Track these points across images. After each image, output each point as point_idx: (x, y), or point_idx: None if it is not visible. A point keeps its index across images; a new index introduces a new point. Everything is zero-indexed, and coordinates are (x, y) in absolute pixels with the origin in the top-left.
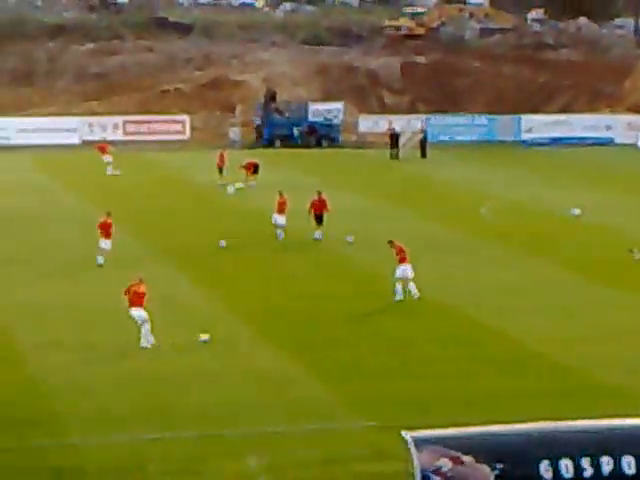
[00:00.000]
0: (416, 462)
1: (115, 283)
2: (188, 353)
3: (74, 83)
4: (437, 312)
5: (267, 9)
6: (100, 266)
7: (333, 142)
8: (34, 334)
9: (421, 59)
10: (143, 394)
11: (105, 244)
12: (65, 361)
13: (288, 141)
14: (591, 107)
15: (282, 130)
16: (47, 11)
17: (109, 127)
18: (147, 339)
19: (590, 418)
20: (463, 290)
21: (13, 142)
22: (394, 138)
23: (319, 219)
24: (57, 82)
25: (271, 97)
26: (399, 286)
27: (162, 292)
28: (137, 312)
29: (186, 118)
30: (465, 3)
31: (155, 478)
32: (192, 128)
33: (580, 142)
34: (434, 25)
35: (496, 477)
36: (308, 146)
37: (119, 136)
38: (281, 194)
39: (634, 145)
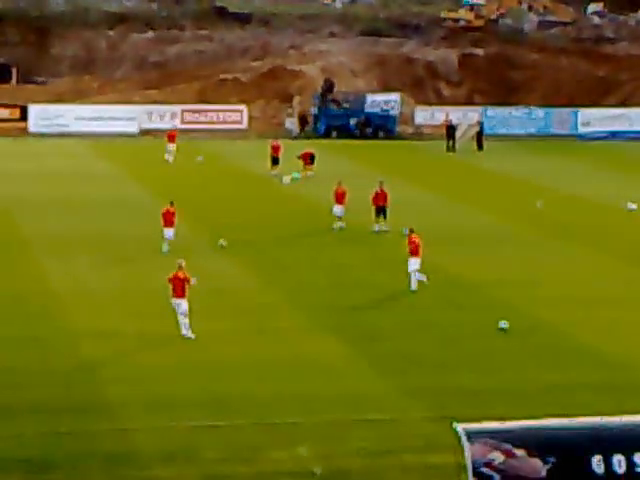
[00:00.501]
0: (468, 454)
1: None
2: (243, 342)
3: (133, 71)
4: (490, 304)
5: (326, 0)
6: (165, 254)
7: (389, 134)
8: (91, 320)
9: (479, 51)
10: (197, 382)
11: (168, 233)
12: (120, 348)
13: (344, 132)
14: None
15: (339, 121)
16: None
17: (167, 116)
18: (186, 328)
19: None
20: (517, 282)
21: (72, 130)
22: (451, 130)
23: (380, 211)
24: (117, 70)
25: (328, 88)
26: (414, 276)
27: (218, 281)
28: (178, 302)
29: (244, 108)
30: None
31: (208, 465)
32: (250, 118)
33: (637, 136)
34: (493, 17)
35: (548, 471)
36: (364, 137)
37: (177, 125)
38: (340, 184)
39: None
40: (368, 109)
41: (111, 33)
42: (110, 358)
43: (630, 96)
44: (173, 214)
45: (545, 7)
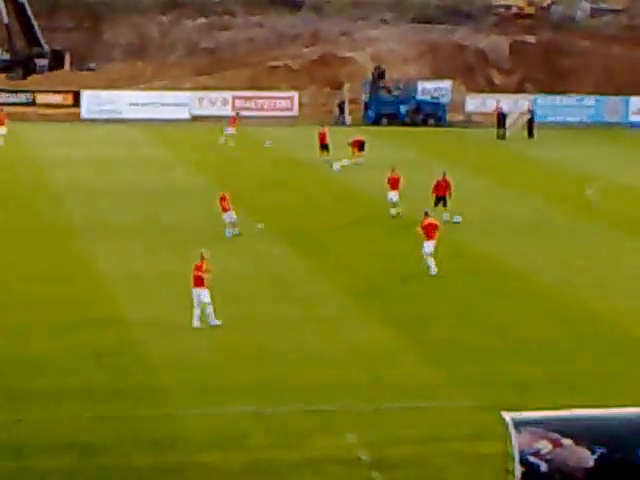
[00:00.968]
0: (515, 443)
1: (222, 258)
2: (291, 329)
3: (185, 58)
4: (539, 293)
5: None
6: (230, 237)
7: (440, 121)
8: (140, 306)
9: (530, 38)
10: (245, 368)
11: (229, 217)
12: (169, 334)
13: (395, 119)
14: None
15: (389, 108)
16: None
17: (218, 102)
18: (197, 318)
19: None
20: (566, 271)
21: (124, 116)
22: (501, 118)
23: (440, 200)
24: (168, 56)
25: (379, 75)
26: (430, 260)
27: (269, 268)
28: (199, 293)
29: (294, 94)
30: None
31: (254, 451)
32: (300, 104)
33: None
34: (544, 4)
35: (595, 461)
36: (414, 125)
37: (228, 111)
38: (393, 170)
39: None
40: (419, 96)
41: (163, 19)
42: (159, 344)
43: None
44: (225, 199)
45: None
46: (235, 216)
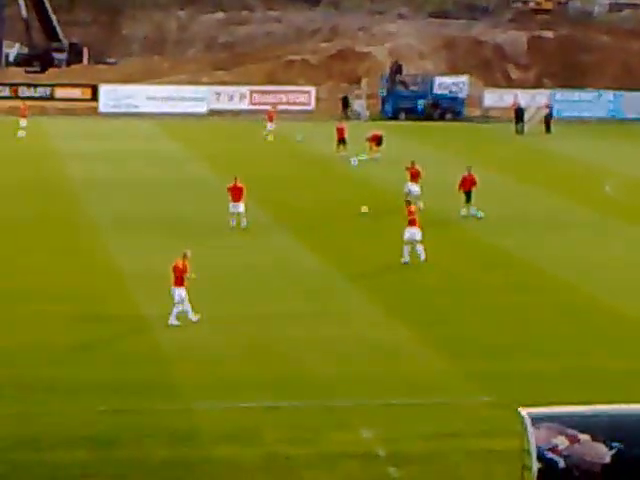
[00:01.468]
0: (532, 439)
1: (240, 250)
2: (304, 322)
3: (203, 52)
4: (557, 288)
5: None
6: (234, 229)
7: (457, 116)
8: (157, 300)
9: (548, 34)
10: (260, 362)
11: (235, 207)
12: (185, 328)
13: (412, 114)
14: None
15: (407, 103)
16: None
17: (236, 97)
18: (174, 316)
19: None
20: (583, 267)
21: (141, 110)
22: (519, 113)
23: (468, 196)
24: (186, 51)
25: (397, 70)
26: (407, 248)
27: (284, 262)
28: (177, 291)
29: (312, 89)
30: None
31: (269, 446)
32: (317, 99)
33: None
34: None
35: (612, 457)
36: (432, 119)
37: (245, 106)
38: (413, 164)
39: None
40: (436, 91)
41: (181, 14)
42: (175, 338)
43: None
44: (240, 189)
45: None
46: (243, 209)
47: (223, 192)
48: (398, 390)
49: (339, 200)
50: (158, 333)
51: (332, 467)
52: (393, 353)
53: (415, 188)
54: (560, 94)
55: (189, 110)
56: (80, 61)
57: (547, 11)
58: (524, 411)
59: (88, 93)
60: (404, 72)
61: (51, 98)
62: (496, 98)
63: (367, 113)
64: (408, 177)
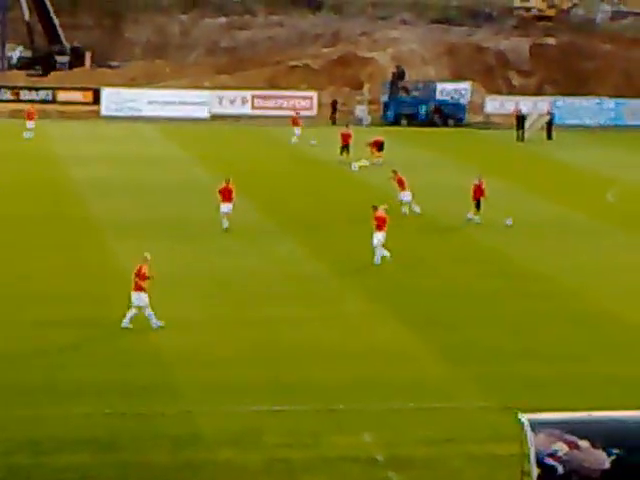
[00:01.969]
0: (532, 445)
1: (239, 256)
2: (305, 326)
3: (205, 56)
4: (560, 295)
5: None
6: (226, 230)
7: (459, 122)
8: (158, 303)
9: (551, 41)
10: (262, 366)
11: (227, 208)
12: (187, 331)
13: (414, 120)
14: None
15: (408, 109)
16: None
17: (238, 101)
18: (129, 319)
19: None
20: (585, 273)
21: (143, 113)
22: (520, 120)
23: (478, 204)
24: (189, 55)
25: (399, 75)
26: (378, 251)
27: (285, 266)
28: (137, 296)
29: (314, 94)
30: None
31: (271, 449)
32: (319, 104)
33: None
34: (565, 7)
35: (611, 463)
36: (433, 125)
37: (247, 110)
38: (396, 172)
39: None
40: (438, 97)
41: (184, 18)
42: (176, 341)
43: None
44: (230, 191)
45: None
46: (231, 209)
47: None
48: (399, 394)
49: (340, 204)
50: (160, 336)
51: (333, 471)
52: (395, 357)
53: (406, 196)
54: (562, 101)
55: (191, 114)
56: (82, 64)
57: (549, 18)
58: (524, 417)
59: (90, 96)
60: (406, 78)
61: (53, 101)
62: (498, 105)
63: (369, 118)
64: (397, 186)
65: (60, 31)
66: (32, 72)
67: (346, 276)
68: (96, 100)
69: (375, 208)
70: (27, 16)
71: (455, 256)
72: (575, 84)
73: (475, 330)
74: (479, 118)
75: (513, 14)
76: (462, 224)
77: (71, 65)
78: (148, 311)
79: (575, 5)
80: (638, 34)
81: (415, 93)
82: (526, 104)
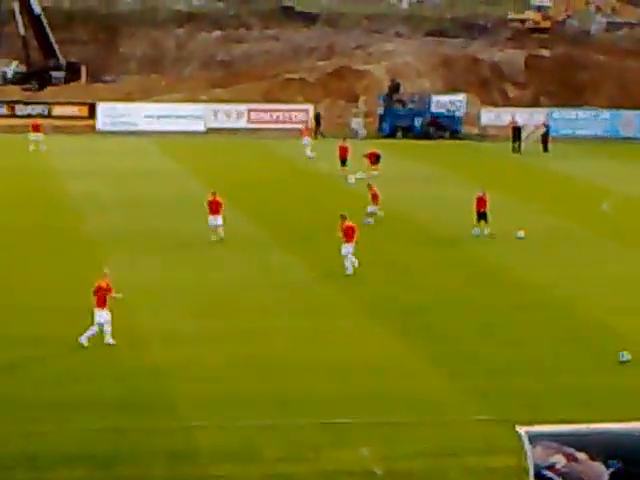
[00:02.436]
0: (530, 457)
1: (234, 267)
2: (305, 341)
3: (201, 70)
4: (556, 307)
5: (393, 0)
6: (216, 242)
7: (454, 134)
8: (155, 318)
9: (546, 52)
10: (260, 380)
11: (216, 220)
12: (184, 346)
13: (410, 132)
14: None
15: (404, 121)
16: None
17: (234, 115)
18: (87, 336)
19: None
20: (581, 285)
21: (139, 128)
22: (516, 131)
23: (481, 216)
24: (184, 69)
25: (394, 88)
26: (349, 260)
27: (281, 278)
28: (99, 313)
29: (309, 107)
30: None
31: (269, 464)
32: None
33: None
34: (560, 19)
35: (611, 475)
36: (429, 138)
37: (243, 124)
38: (370, 186)
39: None
40: (433, 109)
41: (179, 32)
42: (174, 355)
43: None
44: (218, 203)
45: (613, 8)
46: (221, 221)
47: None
48: (397, 408)
49: (335, 216)
50: (156, 350)
51: None
52: (390, 370)
53: (374, 208)
54: (557, 113)
55: (187, 128)
56: (78, 79)
57: (544, 30)
58: (522, 429)
59: (85, 111)
60: (401, 90)
61: (49, 116)
62: (493, 116)
63: (364, 131)
64: (370, 199)
65: (55, 46)
66: (28, 87)
67: (341, 288)
68: (92, 115)
69: (343, 218)
70: (22, 31)
71: (450, 267)
72: (570, 95)
73: (470, 342)
74: (475, 130)
75: (508, 26)
76: (457, 235)
77: (67, 80)
78: (108, 328)
79: (570, 16)
80: (633, 45)
81: (410, 105)
82: (522, 116)
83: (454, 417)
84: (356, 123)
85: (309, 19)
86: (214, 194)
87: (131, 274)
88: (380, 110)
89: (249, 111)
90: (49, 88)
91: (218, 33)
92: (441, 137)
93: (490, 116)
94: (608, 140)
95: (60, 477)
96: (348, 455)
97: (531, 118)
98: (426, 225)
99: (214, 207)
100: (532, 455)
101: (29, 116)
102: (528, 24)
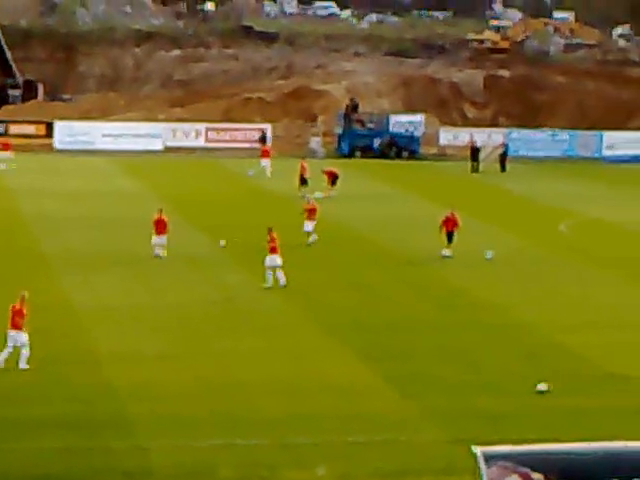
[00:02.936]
0: (485, 477)
1: (190, 287)
2: (261, 360)
3: (159, 89)
4: (514, 327)
5: (352, 20)
6: (158, 257)
7: (413, 154)
8: (111, 338)
9: (504, 73)
10: (215, 400)
11: (159, 239)
12: (139, 365)
13: (368, 152)
14: None
15: (362, 141)
16: (135, 18)
17: (192, 134)
18: (24, 362)
19: None
20: (539, 306)
21: (97, 147)
22: (475, 152)
23: (450, 237)
24: (142, 88)
25: (353, 108)
26: (270, 274)
27: (236, 297)
28: (16, 335)
29: (268, 127)
30: (550, 18)
31: None
32: (274, 137)
33: None
34: (519, 39)
35: None
36: (388, 158)
37: (201, 143)
38: (308, 200)
39: None
40: (392, 129)
41: (137, 51)
42: (129, 375)
43: None
44: (164, 222)
45: (571, 29)
46: (165, 241)
47: (177, 229)
48: (353, 427)
49: (293, 235)
50: (111, 370)
51: None
52: (349, 390)
53: (309, 226)
54: (516, 133)
55: (145, 147)
56: (35, 97)
57: (503, 50)
58: (477, 449)
59: (43, 130)
60: (360, 110)
61: (5, 134)
62: (452, 136)
63: (323, 151)
64: (305, 215)
65: (12, 64)
66: None
67: (298, 307)
68: (49, 133)
69: (270, 230)
70: None
71: (409, 287)
72: (529, 116)
73: (430, 362)
74: (433, 150)
75: (467, 46)
76: (418, 255)
77: (24, 98)
78: (25, 351)
79: (528, 37)
80: (591, 66)
81: (369, 125)
82: (480, 136)
83: (411, 437)
84: (315, 143)
85: (268, 39)
86: (160, 212)
87: (85, 294)
88: (339, 130)
89: (207, 130)
90: (6, 107)
91: (177, 52)
92: (399, 157)
93: (449, 136)
94: (566, 161)
95: None
96: (304, 475)
97: (489, 138)
98: (386, 245)
99: (160, 226)
100: (487, 475)
101: None
102: (487, 44)
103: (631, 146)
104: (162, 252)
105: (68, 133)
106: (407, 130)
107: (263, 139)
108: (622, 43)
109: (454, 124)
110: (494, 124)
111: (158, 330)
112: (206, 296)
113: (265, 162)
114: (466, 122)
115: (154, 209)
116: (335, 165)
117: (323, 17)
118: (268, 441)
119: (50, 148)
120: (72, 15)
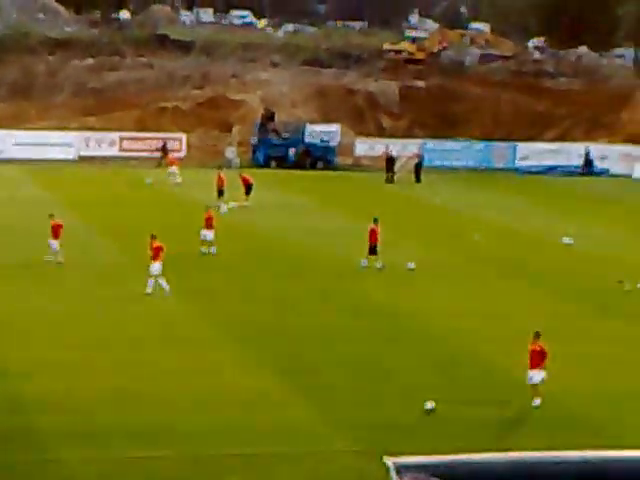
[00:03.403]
0: None
1: (99, 297)
2: (172, 371)
3: (72, 98)
4: (425, 338)
5: (269, 29)
6: (48, 262)
7: (328, 164)
8: (18, 349)
9: (420, 83)
10: (127, 412)
11: (54, 244)
12: (52, 376)
13: (283, 162)
14: (588, 136)
15: (278, 151)
16: (49, 25)
17: (105, 143)
18: None
19: (580, 449)
20: (454, 316)
21: (9, 156)
22: (390, 162)
23: (373, 249)
24: (55, 96)
25: (269, 117)
26: (151, 281)
27: (146, 307)
28: None
29: (183, 136)
30: (466, 29)
31: None
32: (189, 146)
33: (574, 171)
34: (435, 50)
35: None
36: (303, 168)
37: (115, 152)
38: (208, 209)
39: (629, 176)
40: (307, 139)
41: (51, 58)
42: (36, 387)
43: (568, 131)
44: (59, 226)
45: (487, 41)
46: (58, 247)
47: (92, 240)
48: (266, 439)
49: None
50: (21, 382)
51: None
52: (262, 402)
53: (209, 234)
54: (431, 143)
55: (57, 156)
56: None
57: (419, 61)
58: (389, 460)
59: None
60: (276, 120)
61: None
62: (367, 147)
63: (238, 160)
64: (204, 223)
65: None
66: None
67: (212, 320)
68: None
69: (153, 237)
70: None
71: (325, 299)
72: (445, 126)
73: (341, 373)
74: (349, 160)
75: (383, 57)
76: (333, 266)
77: None
78: None
79: (445, 48)
80: (505, 77)
81: (285, 135)
82: (396, 146)
83: (324, 448)
84: (230, 152)
85: (184, 47)
86: (51, 216)
87: None
88: (254, 140)
89: (121, 139)
90: None
91: (91, 60)
92: (314, 167)
93: (364, 146)
94: (481, 171)
95: None
96: None
97: (405, 149)
98: (301, 256)
99: (55, 230)
100: None
101: None
102: (403, 55)
103: (544, 157)
104: (59, 257)
105: None
106: (322, 140)
107: (164, 149)
108: (537, 55)
109: (370, 134)
110: (410, 135)
111: (72, 341)
112: (114, 304)
113: (173, 169)
114: (382, 133)
115: (65, 218)
116: (250, 175)
117: (239, 26)
118: (178, 454)
119: None
120: None
